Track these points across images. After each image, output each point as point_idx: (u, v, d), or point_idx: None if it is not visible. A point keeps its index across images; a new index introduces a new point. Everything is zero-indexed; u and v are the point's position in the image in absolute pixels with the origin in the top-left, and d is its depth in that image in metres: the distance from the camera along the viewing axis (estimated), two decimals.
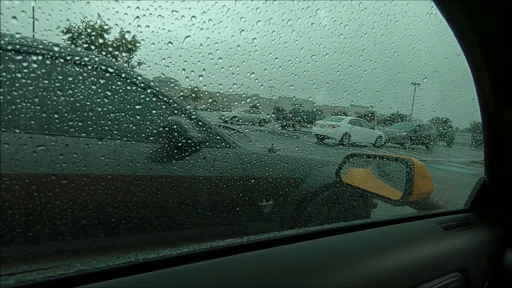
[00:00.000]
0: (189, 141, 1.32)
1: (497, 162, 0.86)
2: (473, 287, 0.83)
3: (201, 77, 1.07)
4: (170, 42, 0.99)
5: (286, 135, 2.94)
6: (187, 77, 1.06)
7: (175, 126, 1.28)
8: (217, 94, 1.43)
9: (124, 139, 1.20)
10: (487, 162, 0.89)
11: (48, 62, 1.04)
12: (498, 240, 0.95)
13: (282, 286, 0.50)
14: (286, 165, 1.71)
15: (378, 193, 1.03)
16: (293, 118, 8.11)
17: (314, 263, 0.56)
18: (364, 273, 0.59)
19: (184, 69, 1.05)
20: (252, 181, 1.53)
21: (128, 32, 0.96)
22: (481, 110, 0.73)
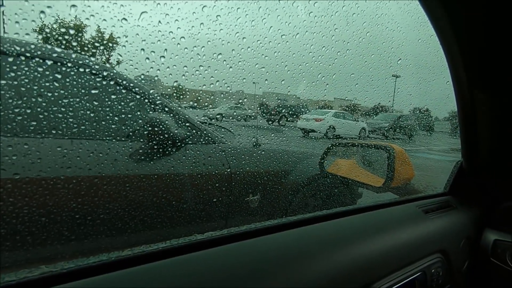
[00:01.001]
0: (172, 138, 1.29)
1: (472, 145, 0.89)
2: (454, 267, 0.85)
3: (183, 76, 1.04)
4: (143, 39, 0.96)
5: (271, 130, 2.95)
6: (171, 74, 1.03)
7: (156, 124, 1.25)
8: (201, 92, 1.40)
9: (105, 138, 1.17)
10: (463, 145, 0.92)
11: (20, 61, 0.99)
12: (476, 220, 0.99)
13: (265, 275, 0.49)
14: (271, 159, 1.71)
15: (361, 180, 1.04)
16: (278, 113, 8.14)
17: (297, 251, 0.56)
18: (347, 259, 0.60)
19: (168, 67, 1.02)
20: (238, 176, 1.52)
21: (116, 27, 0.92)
22: (455, 92, 0.74)
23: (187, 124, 1.43)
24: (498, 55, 0.57)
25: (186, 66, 1.07)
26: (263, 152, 1.68)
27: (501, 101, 0.69)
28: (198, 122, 1.50)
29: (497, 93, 0.66)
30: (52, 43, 1.22)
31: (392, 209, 0.83)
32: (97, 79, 1.17)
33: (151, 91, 1.34)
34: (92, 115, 1.13)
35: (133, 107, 1.29)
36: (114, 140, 1.18)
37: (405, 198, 0.92)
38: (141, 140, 1.25)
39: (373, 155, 1.09)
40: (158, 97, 1.37)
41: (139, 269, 0.42)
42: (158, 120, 1.26)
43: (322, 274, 0.54)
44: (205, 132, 1.49)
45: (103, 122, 1.17)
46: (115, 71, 1.23)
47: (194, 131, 1.44)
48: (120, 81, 1.23)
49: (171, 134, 1.28)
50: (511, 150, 0.84)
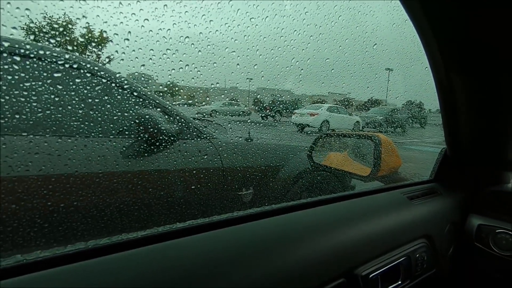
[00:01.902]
0: (162, 134, 1.29)
1: (454, 131, 0.90)
2: (439, 251, 0.87)
3: (177, 71, 1.04)
4: (134, 37, 0.95)
5: (266, 125, 2.96)
6: (163, 70, 1.02)
7: (145, 119, 1.25)
8: (193, 89, 1.40)
9: (96, 136, 1.16)
10: (446, 132, 0.93)
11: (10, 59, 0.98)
12: (461, 206, 1.01)
13: (245, 261, 0.50)
14: (264, 153, 1.72)
15: (349, 170, 1.05)
16: (273, 108, 8.14)
17: (279, 238, 0.57)
18: (330, 245, 0.61)
19: (160, 65, 1.02)
20: (230, 170, 1.52)
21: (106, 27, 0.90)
22: (433, 77, 0.75)
23: (177, 119, 1.43)
24: (472, 38, 0.58)
25: (181, 61, 1.06)
26: (255, 146, 1.69)
27: (478, 84, 0.70)
28: (188, 117, 1.50)
29: (474, 76, 0.68)
30: (41, 41, 1.21)
31: (377, 196, 0.85)
32: (85, 76, 1.16)
33: (140, 87, 1.34)
34: (79, 112, 1.13)
35: (122, 103, 1.29)
36: (104, 137, 1.18)
37: (390, 186, 0.94)
38: (131, 136, 1.25)
39: (360, 145, 1.11)
40: (149, 93, 1.37)
41: (119, 255, 0.43)
42: (147, 116, 1.25)
43: (303, 260, 0.55)
44: (195, 127, 1.49)
45: (92, 120, 1.16)
46: (101, 67, 1.23)
47: (184, 126, 1.44)
48: (108, 77, 1.22)
49: (161, 129, 1.28)
50: (491, 135, 0.86)
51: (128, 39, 0.91)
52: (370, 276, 0.64)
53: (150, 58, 0.97)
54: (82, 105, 1.14)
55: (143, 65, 1.00)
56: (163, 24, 0.96)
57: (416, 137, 8.97)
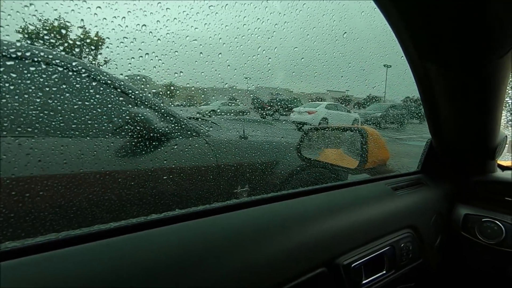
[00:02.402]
0: (155, 133, 1.30)
1: (436, 121, 0.91)
2: (425, 242, 0.89)
3: (176, 73, 1.04)
4: (134, 38, 0.96)
5: (264, 123, 2.96)
6: (158, 71, 1.03)
7: (138, 119, 1.26)
8: (193, 89, 1.41)
9: (89, 136, 1.17)
10: (429, 123, 0.94)
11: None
12: (447, 196, 1.02)
13: (229, 251, 0.51)
14: (258, 150, 1.72)
15: (337, 163, 1.07)
16: (271, 107, 8.11)
17: (262, 228, 0.58)
18: (310, 235, 0.62)
19: (155, 66, 1.02)
20: (225, 168, 1.53)
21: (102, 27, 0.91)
22: (409, 66, 0.76)
23: (171, 118, 1.44)
24: (442, 26, 0.59)
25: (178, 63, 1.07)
26: (250, 144, 1.70)
27: (454, 72, 0.71)
28: (182, 116, 1.51)
29: (448, 64, 0.69)
30: (35, 43, 1.22)
31: (361, 187, 0.86)
32: (78, 77, 1.17)
33: (133, 87, 1.35)
34: (73, 113, 1.14)
35: (116, 103, 1.30)
36: (98, 138, 1.19)
37: (375, 177, 0.95)
38: (124, 136, 1.26)
39: (348, 138, 1.12)
40: (141, 93, 1.38)
41: (112, 240, 0.45)
42: (140, 115, 1.27)
43: (283, 250, 0.56)
44: (189, 125, 1.50)
45: (85, 120, 1.17)
46: (95, 68, 1.24)
47: (178, 125, 1.46)
48: (102, 78, 1.23)
49: (154, 128, 1.29)
50: (474, 125, 0.87)
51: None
52: (353, 265, 0.66)
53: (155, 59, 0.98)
54: (70, 105, 1.15)
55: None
56: (150, 23, 0.97)
57: (414, 133, 8.96)
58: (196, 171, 1.43)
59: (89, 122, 1.18)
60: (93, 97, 1.22)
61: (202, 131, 1.55)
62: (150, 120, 1.30)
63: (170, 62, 1.03)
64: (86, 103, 1.19)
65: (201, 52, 1.13)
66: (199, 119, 2.03)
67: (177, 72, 1.08)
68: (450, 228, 0.99)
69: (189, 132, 1.49)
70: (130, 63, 1.00)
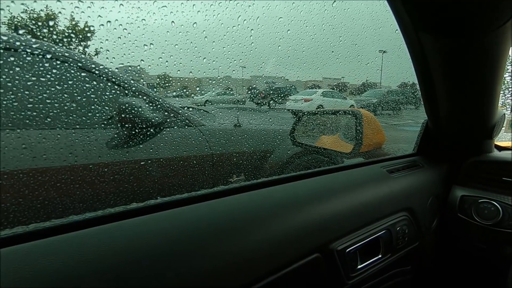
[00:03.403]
0: (148, 123, 1.27)
1: (433, 102, 0.89)
2: (422, 225, 0.87)
3: (166, 61, 1.01)
4: (124, 28, 0.91)
5: (260, 112, 2.94)
6: (153, 60, 0.99)
7: (131, 109, 1.23)
8: (187, 79, 1.37)
9: (80, 127, 1.14)
10: (425, 103, 0.92)
11: None
12: (444, 178, 1.01)
13: (222, 237, 0.49)
14: (254, 138, 1.70)
15: (332, 148, 1.05)
16: (267, 95, 8.07)
17: (256, 213, 0.57)
18: (304, 220, 0.61)
19: (148, 57, 0.99)
20: (220, 157, 1.51)
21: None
22: (405, 41, 0.73)
23: (164, 108, 1.41)
24: None
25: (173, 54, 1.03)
26: (244, 132, 1.68)
27: (450, 45, 0.68)
28: (175, 106, 1.48)
29: (444, 35, 0.66)
30: (23, 33, 1.17)
31: (355, 171, 0.84)
32: (69, 67, 1.13)
33: (125, 78, 1.31)
34: (65, 103, 1.10)
35: (107, 93, 1.26)
36: (90, 128, 1.16)
37: (370, 160, 0.93)
38: (116, 126, 1.23)
39: (343, 122, 1.10)
40: (133, 83, 1.34)
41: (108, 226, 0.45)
42: (133, 105, 1.24)
43: (276, 236, 0.55)
44: (183, 115, 1.47)
45: (77, 110, 1.14)
46: (84, 58, 1.20)
47: (171, 115, 1.43)
48: (92, 68, 1.19)
49: (148, 118, 1.26)
50: (470, 104, 0.85)
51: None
52: (347, 250, 0.64)
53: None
54: (63, 96, 1.11)
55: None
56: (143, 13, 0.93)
57: (410, 118, 8.98)
58: (189, 161, 1.41)
59: (79, 113, 1.15)
60: (83, 88, 1.18)
61: (195, 120, 1.52)
62: (142, 110, 1.27)
63: (163, 51, 1.00)
64: (75, 94, 1.15)
65: (192, 42, 1.09)
66: (192, 109, 2.00)
67: (173, 63, 1.05)
68: (447, 210, 0.98)
69: (182, 122, 1.46)
70: (124, 54, 0.97)
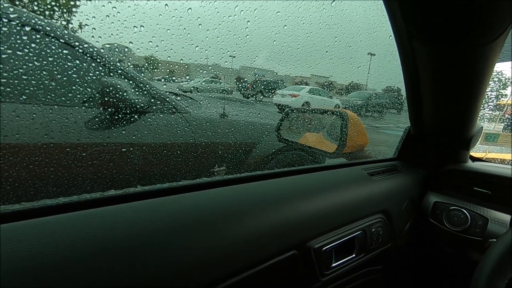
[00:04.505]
0: (131, 106, 1.23)
1: (417, 108, 0.91)
2: (395, 227, 0.90)
3: (156, 45, 0.96)
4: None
5: (247, 104, 2.91)
6: (143, 43, 0.94)
7: (114, 89, 1.17)
8: (174, 63, 1.33)
9: (58, 104, 1.07)
10: (409, 108, 0.94)
11: None
12: (420, 183, 1.05)
13: (196, 231, 0.48)
14: (238, 129, 1.69)
15: (316, 146, 1.05)
16: (255, 88, 8.02)
17: (231, 208, 0.56)
18: (282, 217, 0.61)
19: (138, 39, 0.94)
20: (203, 146, 1.49)
21: None
22: (397, 46, 0.74)
23: (149, 91, 1.36)
24: (434, 4, 0.57)
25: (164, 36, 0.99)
26: (230, 123, 1.66)
27: (441, 54, 0.70)
28: (161, 90, 1.43)
29: (436, 45, 0.67)
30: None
31: (337, 171, 0.85)
32: (50, 42, 1.05)
33: (108, 55, 1.25)
34: (43, 78, 1.03)
35: (89, 71, 1.20)
36: (67, 107, 1.10)
37: (352, 162, 0.95)
38: (98, 106, 1.17)
39: (329, 121, 1.10)
40: (118, 63, 1.28)
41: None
42: (116, 86, 1.18)
43: (253, 232, 0.54)
44: (167, 100, 1.43)
45: (56, 86, 1.07)
46: (68, 33, 1.12)
47: (156, 99, 1.38)
48: (74, 42, 1.12)
49: (130, 101, 1.22)
50: (452, 114, 0.88)
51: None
52: (323, 248, 0.65)
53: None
54: (42, 73, 1.04)
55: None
56: None
57: (392, 122, 9.25)
58: (172, 148, 1.38)
59: (58, 92, 1.08)
60: (65, 66, 1.11)
61: (180, 107, 1.48)
62: (127, 93, 1.21)
63: (153, 35, 0.95)
64: (55, 71, 1.08)
65: (185, 28, 1.05)
66: (178, 95, 1.95)
67: (163, 49, 1.01)
68: (420, 214, 1.02)
69: (167, 108, 1.42)
70: (111, 34, 0.92)
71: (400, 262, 1.02)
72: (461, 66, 0.70)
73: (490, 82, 0.76)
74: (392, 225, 0.89)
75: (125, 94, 1.21)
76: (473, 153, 1.13)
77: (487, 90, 0.78)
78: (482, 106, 0.84)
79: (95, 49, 1.19)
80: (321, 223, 0.67)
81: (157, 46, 0.96)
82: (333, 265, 0.68)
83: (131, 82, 1.30)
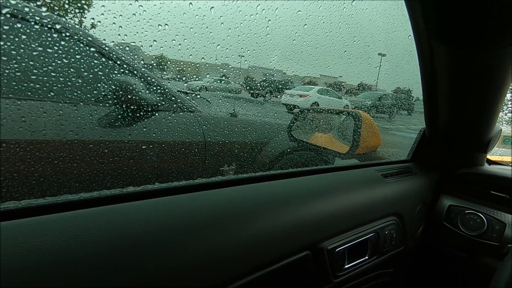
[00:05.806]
0: (143, 104, 1.24)
1: (434, 110, 0.90)
2: (408, 230, 0.89)
3: (179, 44, 0.97)
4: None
5: (255, 103, 2.91)
6: (155, 41, 0.95)
7: (126, 87, 1.19)
8: (182, 63, 1.34)
9: (72, 102, 1.10)
10: (425, 111, 0.93)
11: None
12: (434, 186, 1.03)
13: (209, 230, 0.49)
14: (248, 129, 1.69)
15: (328, 147, 1.05)
16: (263, 87, 8.01)
17: (246, 207, 0.56)
18: (296, 217, 0.61)
19: (162, 38, 0.95)
20: (213, 145, 1.50)
21: None
22: (416, 46, 0.73)
23: (161, 90, 1.38)
24: (456, 4, 0.56)
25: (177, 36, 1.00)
26: (240, 122, 1.66)
27: (461, 55, 0.68)
28: (173, 89, 1.45)
29: (457, 46, 0.66)
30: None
31: (351, 172, 0.85)
32: (64, 39, 1.08)
33: (122, 55, 1.27)
34: (71, 75, 1.06)
35: (104, 70, 1.22)
36: (81, 104, 1.12)
37: (366, 163, 0.94)
38: (112, 104, 1.19)
39: (341, 122, 1.10)
40: (131, 62, 1.30)
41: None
42: (128, 84, 1.20)
43: (267, 231, 0.54)
44: (180, 99, 1.44)
45: (83, 84, 1.10)
46: (81, 32, 1.15)
47: (168, 98, 1.40)
48: (90, 43, 1.14)
49: (142, 99, 1.23)
50: (468, 117, 0.86)
51: None
52: (337, 250, 0.65)
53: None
54: (69, 70, 1.07)
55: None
56: None
57: (402, 124, 9.11)
58: (183, 147, 1.39)
59: (84, 89, 1.11)
60: (77, 61, 1.13)
61: (192, 106, 1.49)
62: (139, 91, 1.23)
63: (177, 34, 0.96)
64: (82, 69, 1.11)
65: (207, 26, 1.06)
66: (189, 94, 1.97)
67: (186, 47, 1.01)
68: (433, 217, 1.00)
69: (179, 107, 1.43)
70: (137, 33, 0.93)
71: (411, 265, 1.01)
72: (481, 67, 0.69)
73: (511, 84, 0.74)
74: (405, 228, 0.87)
75: (142, 92, 1.24)
76: (490, 156, 1.10)
77: (507, 92, 0.76)
78: (502, 109, 0.82)
79: (107, 46, 1.21)
80: (335, 224, 0.67)
81: (179, 44, 0.97)
82: (346, 266, 0.68)
83: (144, 81, 1.32)
